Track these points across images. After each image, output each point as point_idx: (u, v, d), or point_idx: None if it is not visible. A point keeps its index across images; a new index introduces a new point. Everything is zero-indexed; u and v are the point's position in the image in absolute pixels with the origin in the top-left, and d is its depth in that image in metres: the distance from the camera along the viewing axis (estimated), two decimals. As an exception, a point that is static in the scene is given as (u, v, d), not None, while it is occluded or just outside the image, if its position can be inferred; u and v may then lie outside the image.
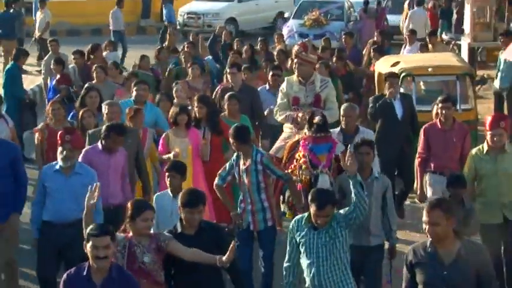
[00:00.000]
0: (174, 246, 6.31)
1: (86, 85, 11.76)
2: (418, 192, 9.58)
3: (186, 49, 15.19)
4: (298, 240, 6.73)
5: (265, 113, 11.11)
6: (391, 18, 22.60)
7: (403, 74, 12.02)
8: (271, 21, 27.32)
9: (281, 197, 8.60)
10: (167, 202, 7.65)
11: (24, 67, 15.29)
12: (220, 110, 10.47)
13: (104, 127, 8.51)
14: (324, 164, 8.02)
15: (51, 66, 14.06)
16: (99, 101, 10.36)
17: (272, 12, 27.47)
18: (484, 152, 8.23)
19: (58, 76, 13.53)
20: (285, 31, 22.31)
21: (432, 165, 9.37)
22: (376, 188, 7.68)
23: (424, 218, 5.57)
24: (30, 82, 17.82)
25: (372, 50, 15.46)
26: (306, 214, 6.76)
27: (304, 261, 6.73)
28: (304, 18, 23.29)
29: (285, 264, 6.92)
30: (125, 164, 8.52)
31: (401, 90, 11.23)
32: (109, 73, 12.81)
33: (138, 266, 6.25)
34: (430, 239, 5.64)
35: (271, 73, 12.00)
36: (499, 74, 14.44)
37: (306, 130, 8.41)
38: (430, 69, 12.49)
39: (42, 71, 15.87)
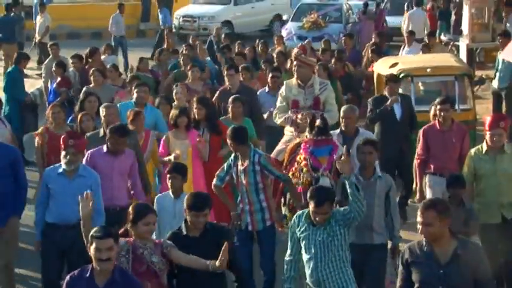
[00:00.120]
0: (174, 255, 6.35)
1: (84, 89, 11.76)
2: (418, 194, 9.60)
3: (184, 51, 15.22)
4: (298, 235, 6.83)
5: (266, 115, 11.10)
6: (390, 20, 22.54)
7: (402, 75, 12.06)
8: (268, 24, 27.27)
9: (282, 200, 8.62)
10: (168, 203, 7.71)
11: (25, 71, 15.29)
12: (219, 112, 10.49)
13: (108, 130, 8.55)
14: (324, 166, 8.05)
15: (53, 69, 14.10)
16: (98, 105, 10.39)
17: (268, 15, 27.41)
18: (483, 152, 8.25)
19: (59, 79, 13.56)
20: (283, 34, 22.29)
21: (432, 166, 9.38)
22: (379, 187, 7.69)
23: (418, 218, 5.58)
24: (31, 86, 17.83)
25: (370, 51, 15.52)
26: (306, 210, 6.87)
27: (304, 257, 6.84)
28: (302, 21, 23.25)
29: (287, 258, 7.01)
30: (134, 165, 8.58)
31: (400, 90, 11.25)
32: (108, 75, 12.82)
33: (146, 267, 6.24)
34: None
35: (270, 75, 11.97)
36: (498, 74, 14.46)
37: (306, 133, 8.44)
38: (428, 70, 12.51)
39: (43, 74, 15.90)
